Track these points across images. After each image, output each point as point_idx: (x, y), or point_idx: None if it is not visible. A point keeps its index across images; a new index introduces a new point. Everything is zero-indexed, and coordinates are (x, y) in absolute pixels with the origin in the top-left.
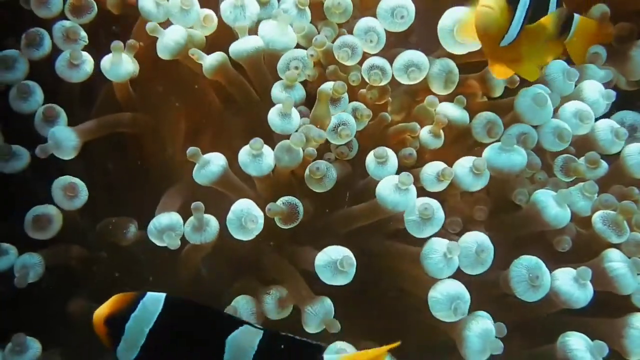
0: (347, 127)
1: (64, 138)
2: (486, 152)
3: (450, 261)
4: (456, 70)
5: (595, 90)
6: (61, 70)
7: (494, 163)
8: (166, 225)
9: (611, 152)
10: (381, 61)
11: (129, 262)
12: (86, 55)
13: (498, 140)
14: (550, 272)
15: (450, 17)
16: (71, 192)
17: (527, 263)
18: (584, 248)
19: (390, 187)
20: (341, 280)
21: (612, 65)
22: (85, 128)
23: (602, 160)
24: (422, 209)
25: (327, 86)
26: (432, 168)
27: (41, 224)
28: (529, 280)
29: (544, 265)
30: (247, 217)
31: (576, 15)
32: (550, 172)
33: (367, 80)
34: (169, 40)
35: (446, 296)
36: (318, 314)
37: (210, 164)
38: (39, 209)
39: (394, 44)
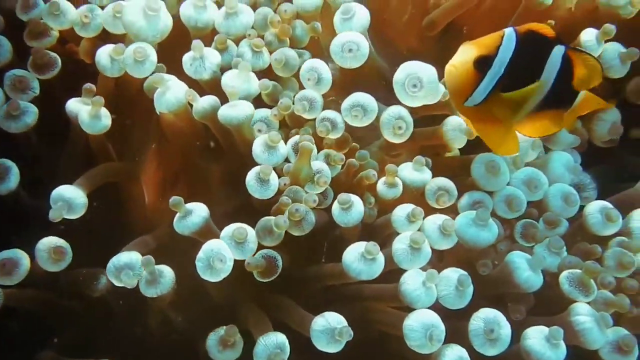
0: (323, 174)
1: (74, 196)
2: (458, 218)
3: (429, 290)
4: (409, 118)
5: (561, 164)
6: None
7: (461, 233)
8: (125, 264)
9: (564, 217)
10: (333, 114)
11: (100, 312)
12: (28, 107)
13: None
14: (521, 329)
15: (404, 71)
16: (58, 255)
17: (484, 316)
18: (554, 303)
19: (356, 255)
20: (333, 349)
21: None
22: (84, 183)
23: (561, 219)
24: (414, 237)
25: (308, 140)
26: (403, 210)
27: (7, 268)
28: (485, 333)
29: (503, 319)
30: (215, 256)
31: (582, 92)
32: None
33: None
34: (171, 97)
35: (421, 324)
36: (268, 347)
37: (192, 215)
38: (5, 253)
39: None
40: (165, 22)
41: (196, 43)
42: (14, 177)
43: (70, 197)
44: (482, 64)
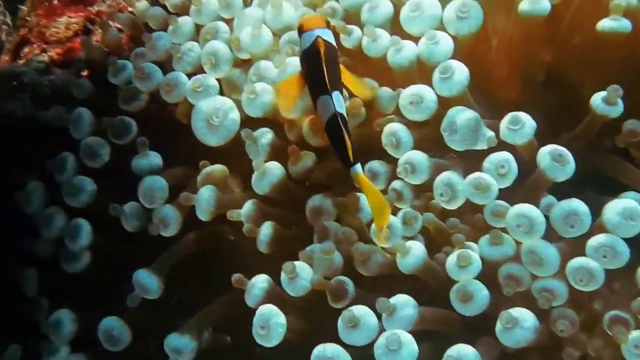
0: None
1: (147, 282)
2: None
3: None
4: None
5: (616, 214)
6: None
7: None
8: (173, 348)
9: (622, 236)
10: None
11: None
12: (84, 185)
13: None
14: None
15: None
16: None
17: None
18: None
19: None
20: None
21: None
22: (160, 267)
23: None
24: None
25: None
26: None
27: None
28: None
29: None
30: (258, 323)
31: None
32: None
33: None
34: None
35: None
36: None
37: (254, 288)
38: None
39: None
40: (229, 128)
41: (245, 133)
42: (85, 235)
43: (145, 283)
44: None
